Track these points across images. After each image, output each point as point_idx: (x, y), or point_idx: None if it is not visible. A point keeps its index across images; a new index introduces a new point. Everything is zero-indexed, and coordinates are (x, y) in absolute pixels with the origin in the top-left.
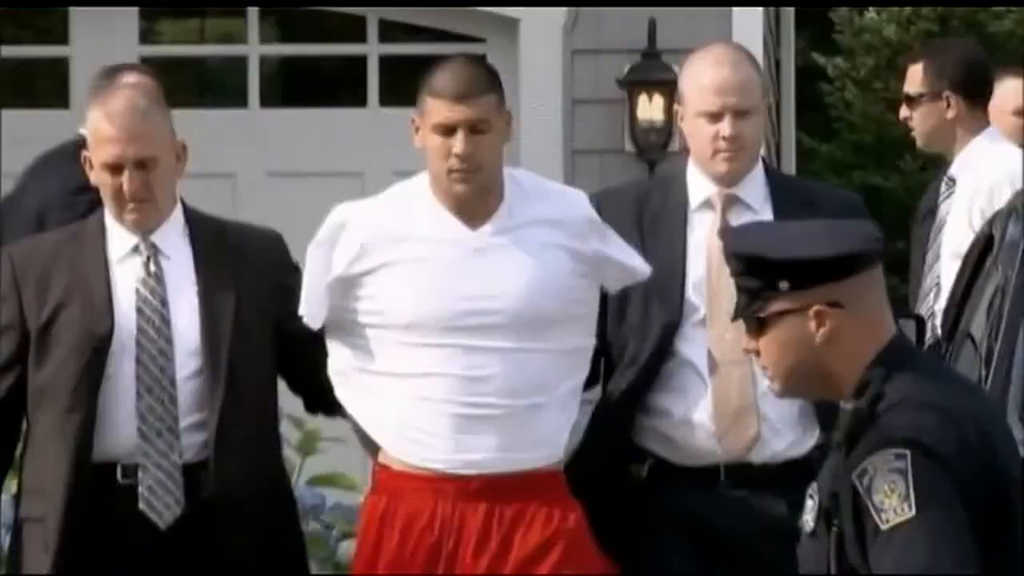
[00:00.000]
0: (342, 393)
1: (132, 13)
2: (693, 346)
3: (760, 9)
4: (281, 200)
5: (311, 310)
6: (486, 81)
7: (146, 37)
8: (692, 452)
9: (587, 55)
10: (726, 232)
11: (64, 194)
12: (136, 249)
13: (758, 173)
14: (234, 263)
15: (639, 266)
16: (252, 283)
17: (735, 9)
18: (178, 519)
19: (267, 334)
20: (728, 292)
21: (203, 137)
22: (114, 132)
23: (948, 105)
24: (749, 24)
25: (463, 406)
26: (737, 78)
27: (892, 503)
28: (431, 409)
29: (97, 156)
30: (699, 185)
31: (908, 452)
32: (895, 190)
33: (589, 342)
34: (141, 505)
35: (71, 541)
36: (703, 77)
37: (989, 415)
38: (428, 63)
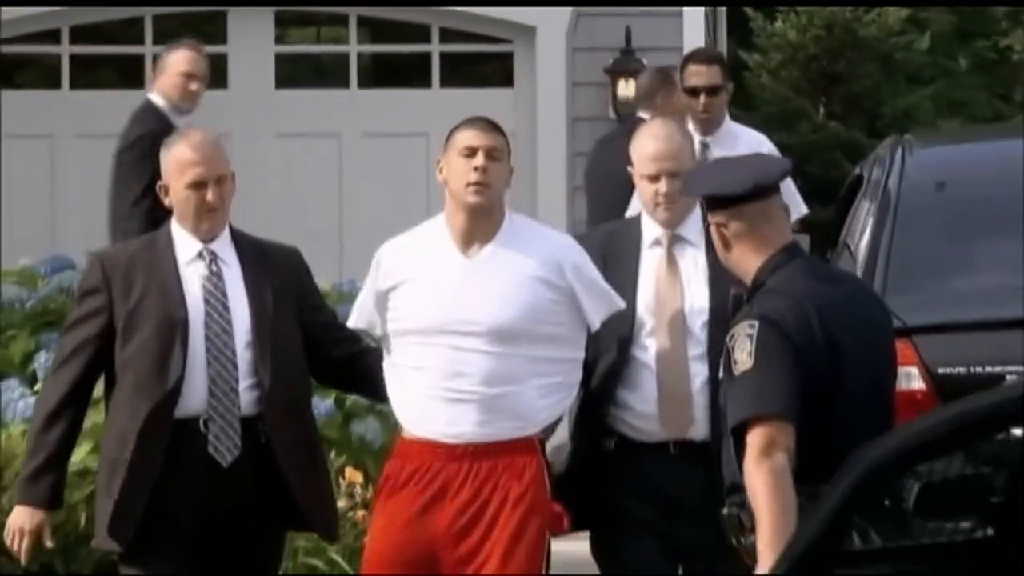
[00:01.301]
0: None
1: (270, 23)
2: (646, 352)
3: (702, 20)
4: (371, 152)
5: (360, 317)
6: (500, 128)
7: (279, 39)
8: (646, 432)
9: (583, 51)
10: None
11: None
12: (200, 254)
13: (696, 215)
14: (269, 268)
15: (616, 299)
16: (282, 283)
17: (685, 20)
18: (236, 459)
19: (294, 320)
20: (670, 309)
21: (318, 109)
22: (197, 157)
23: (727, 92)
24: (694, 30)
25: (450, 391)
26: (669, 148)
27: (742, 357)
28: (427, 394)
29: (182, 179)
30: (651, 227)
31: (758, 323)
32: (794, 147)
33: (567, 354)
34: (209, 449)
35: (148, 477)
36: (645, 148)
37: (841, 300)
38: (476, 57)
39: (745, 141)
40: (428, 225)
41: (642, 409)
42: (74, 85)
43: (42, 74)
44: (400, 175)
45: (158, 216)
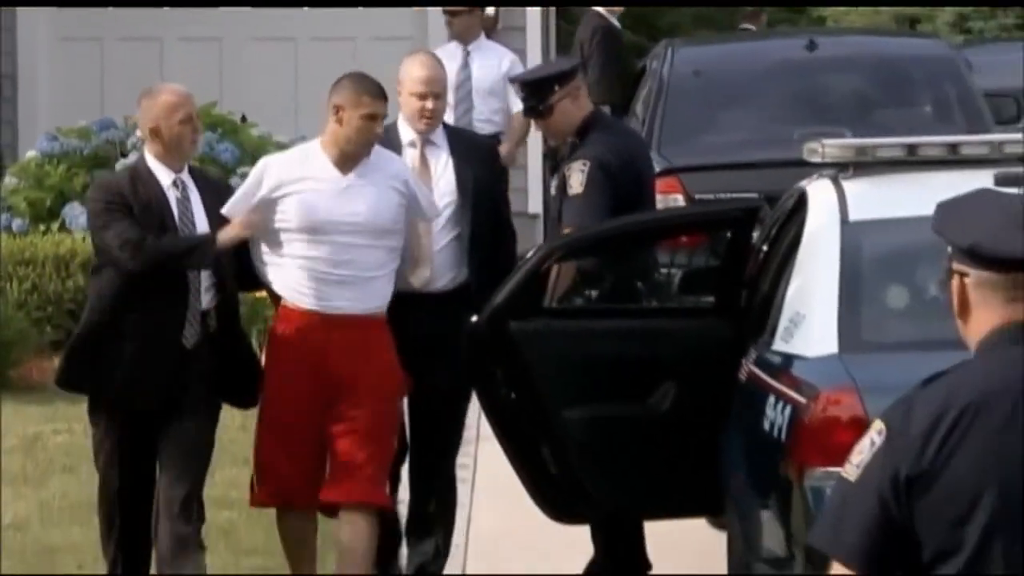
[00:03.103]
0: (263, 270)
1: None
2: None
3: None
4: (317, 51)
5: (234, 210)
6: (385, 96)
7: None
8: (402, 288)
9: None
10: (520, 76)
11: None
12: (175, 183)
13: (440, 127)
14: (214, 193)
15: (429, 209)
16: (220, 204)
17: None
18: (195, 343)
19: None
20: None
21: (280, 21)
22: (182, 100)
23: (476, 17)
24: None
25: (331, 275)
26: (435, 75)
27: (575, 184)
28: (313, 277)
29: (175, 117)
30: (407, 132)
31: (589, 161)
32: None
33: (400, 244)
34: (182, 338)
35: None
36: (416, 73)
37: (639, 147)
38: None
39: (496, 51)
40: (306, 149)
41: (403, 269)
42: (174, 4)
43: None
44: (332, 66)
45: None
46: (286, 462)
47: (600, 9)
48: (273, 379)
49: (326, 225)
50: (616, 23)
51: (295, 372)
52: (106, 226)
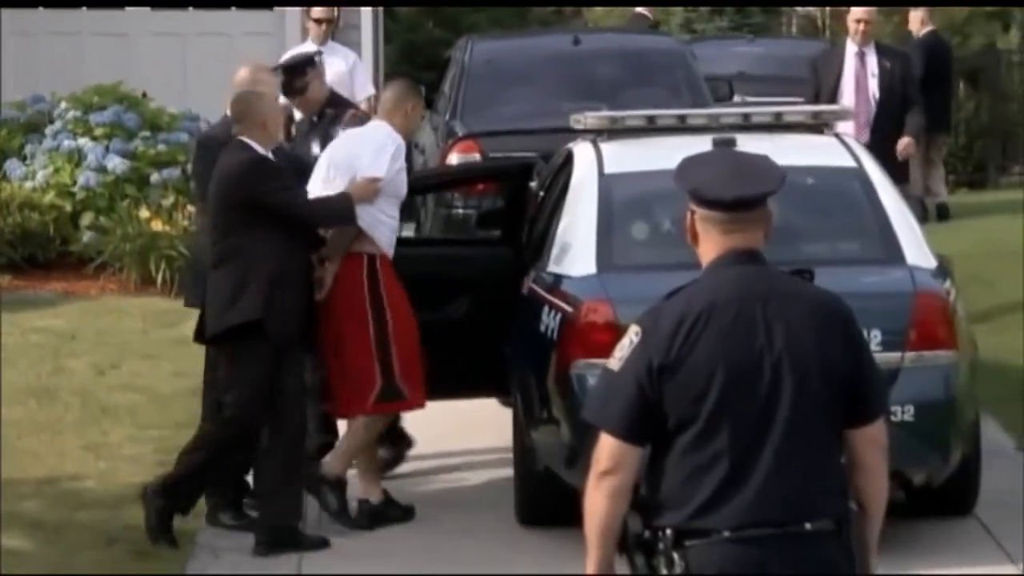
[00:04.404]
0: (375, 225)
1: None
2: None
3: None
4: (202, 44)
5: (384, 175)
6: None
7: None
8: None
9: None
10: (280, 64)
11: None
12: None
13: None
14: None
15: None
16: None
17: None
18: None
19: None
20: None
21: (172, 20)
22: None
23: (334, 24)
24: None
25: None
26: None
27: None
28: (392, 228)
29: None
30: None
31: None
32: (420, 42)
33: None
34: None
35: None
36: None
37: None
38: None
39: (341, 51)
40: (396, 134)
41: None
42: (90, 5)
43: None
44: (212, 55)
45: None
46: (420, 370)
47: (643, 10)
48: (399, 308)
49: (403, 196)
50: (651, 20)
51: (405, 303)
52: (286, 187)
